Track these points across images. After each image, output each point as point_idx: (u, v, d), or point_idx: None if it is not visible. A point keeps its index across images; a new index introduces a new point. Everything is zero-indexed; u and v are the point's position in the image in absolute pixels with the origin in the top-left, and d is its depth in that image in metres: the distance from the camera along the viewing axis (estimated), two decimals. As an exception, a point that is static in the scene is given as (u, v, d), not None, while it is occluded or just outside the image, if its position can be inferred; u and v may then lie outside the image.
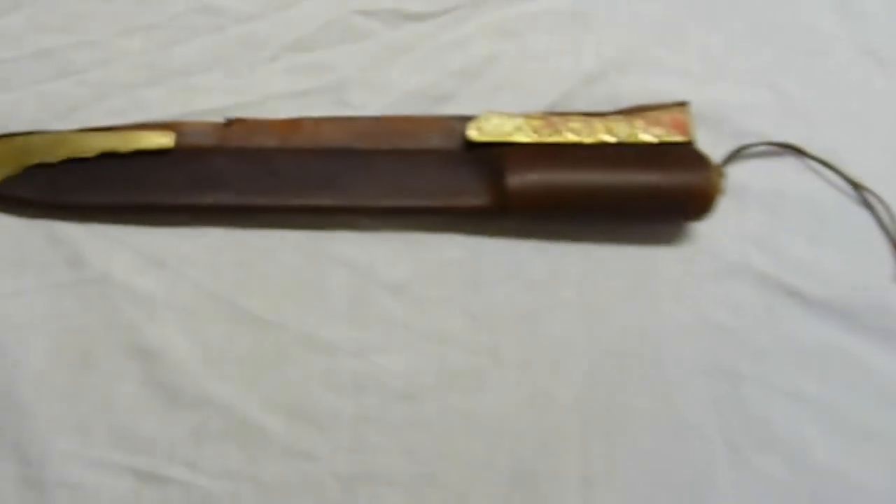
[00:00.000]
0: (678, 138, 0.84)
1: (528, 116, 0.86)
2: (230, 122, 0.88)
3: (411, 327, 0.83)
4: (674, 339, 0.83)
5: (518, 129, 0.85)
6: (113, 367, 0.81)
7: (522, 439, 0.80)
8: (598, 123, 0.85)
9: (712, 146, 0.85)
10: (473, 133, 0.85)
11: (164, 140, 0.86)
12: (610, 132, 0.85)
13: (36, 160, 0.85)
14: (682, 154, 0.83)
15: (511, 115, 0.86)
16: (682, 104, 0.86)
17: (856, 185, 0.87)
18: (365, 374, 0.81)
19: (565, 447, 0.80)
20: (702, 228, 0.86)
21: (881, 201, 0.86)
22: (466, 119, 0.87)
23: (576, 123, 0.85)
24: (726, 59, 0.94)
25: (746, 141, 0.88)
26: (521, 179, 0.82)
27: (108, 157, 0.85)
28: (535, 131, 0.85)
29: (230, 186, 0.85)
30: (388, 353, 0.82)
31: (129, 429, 0.80)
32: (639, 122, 0.85)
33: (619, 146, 0.84)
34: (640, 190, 0.81)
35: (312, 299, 0.84)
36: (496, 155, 0.84)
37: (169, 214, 0.86)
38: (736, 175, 0.85)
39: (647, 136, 0.84)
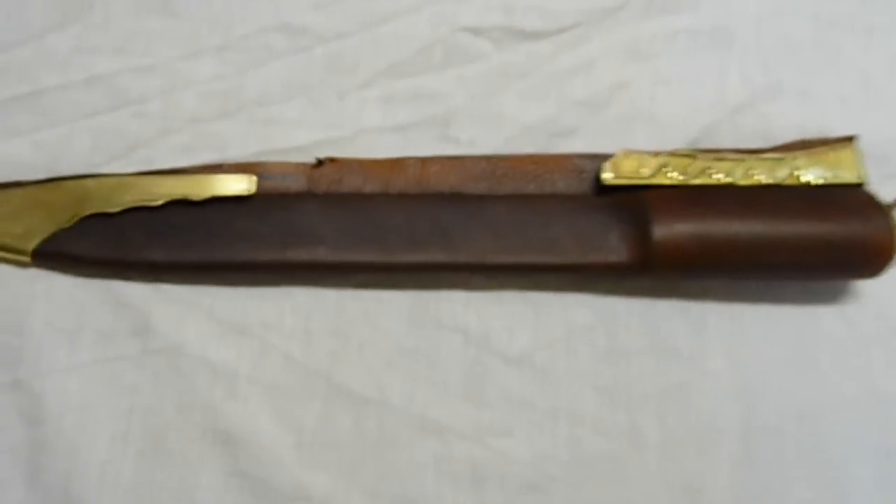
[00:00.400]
0: (847, 180, 0.73)
1: (672, 154, 0.74)
2: (320, 163, 0.77)
3: (535, 406, 0.72)
4: (837, 414, 0.72)
5: (661, 169, 0.74)
6: (190, 455, 0.70)
7: (671, 540, 0.69)
8: (753, 162, 0.74)
9: (877, 187, 0.73)
10: (608, 175, 0.74)
11: (244, 185, 0.75)
12: (767, 173, 0.73)
13: (93, 209, 0.74)
14: (854, 199, 0.72)
15: (653, 154, 0.74)
16: (848, 139, 0.75)
17: None
18: (484, 461, 0.70)
19: (719, 551, 0.69)
20: (866, 284, 0.74)
21: None
22: (597, 157, 0.76)
23: (727, 163, 0.74)
24: (889, 84, 0.82)
25: (918, 181, 0.76)
26: (668, 231, 0.70)
27: (178, 204, 0.74)
28: (682, 172, 0.74)
29: (323, 240, 0.73)
30: (509, 436, 0.71)
31: (212, 531, 0.69)
32: (800, 161, 0.74)
33: (780, 189, 0.73)
34: (807, 243, 0.69)
35: (420, 373, 0.73)
36: (636, 201, 0.72)
37: (250, 273, 0.75)
38: (906, 221, 0.74)
39: (810, 177, 0.73)
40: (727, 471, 0.70)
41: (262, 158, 0.79)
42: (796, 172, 0.73)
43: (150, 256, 0.73)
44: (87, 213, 0.74)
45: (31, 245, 0.74)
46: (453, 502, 0.69)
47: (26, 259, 0.75)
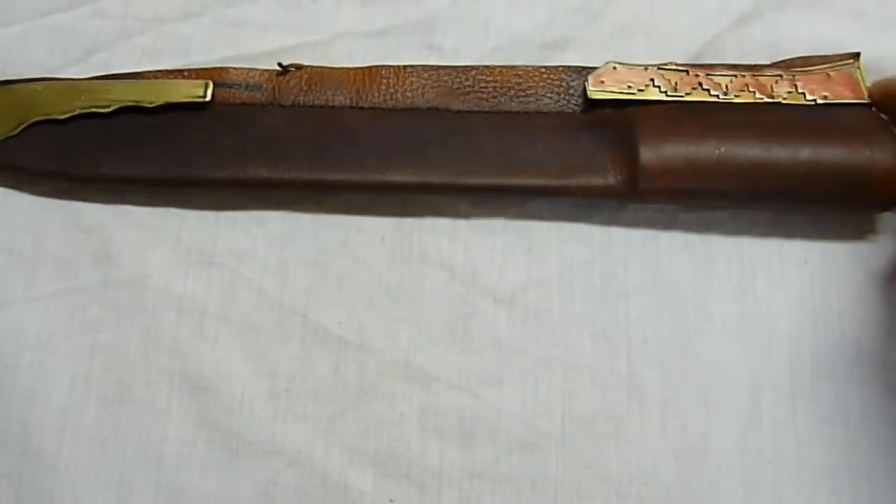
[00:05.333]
0: (852, 100, 0.68)
1: (662, 67, 0.70)
2: (285, 70, 0.72)
3: (528, 353, 0.67)
4: (853, 367, 0.66)
5: (650, 83, 0.69)
6: (157, 403, 0.65)
7: (671, 504, 0.65)
8: (750, 79, 0.69)
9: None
10: (594, 89, 0.69)
11: (199, 90, 0.69)
12: (766, 91, 0.69)
13: (40, 115, 0.69)
14: (860, 120, 0.67)
15: (641, 66, 0.70)
16: (852, 56, 0.70)
17: None
18: (473, 413, 0.65)
19: (725, 514, 0.64)
20: (882, 220, 0.70)
21: None
22: (584, 71, 0.71)
23: (723, 78, 0.70)
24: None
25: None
26: (656, 152, 0.65)
27: (130, 112, 0.69)
28: (673, 87, 0.69)
29: (287, 155, 0.68)
30: (500, 385, 0.66)
31: (181, 488, 0.64)
32: (802, 79, 0.69)
33: (778, 108, 0.68)
34: (805, 167, 0.64)
35: (403, 312, 0.68)
36: (623, 119, 0.68)
37: (210, 190, 0.70)
38: (923, 149, 0.69)
39: (812, 97, 0.68)
40: (736, 431, 0.65)
41: (228, 64, 0.73)
42: (797, 91, 0.68)
43: (101, 170, 0.68)
44: (34, 119, 0.69)
45: (-22, 156, 0.69)
46: (439, 459, 0.64)
47: (-26, 173, 0.70)
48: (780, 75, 0.69)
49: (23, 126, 0.69)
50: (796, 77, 0.69)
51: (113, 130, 0.69)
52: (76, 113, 0.69)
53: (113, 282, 0.68)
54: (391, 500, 0.63)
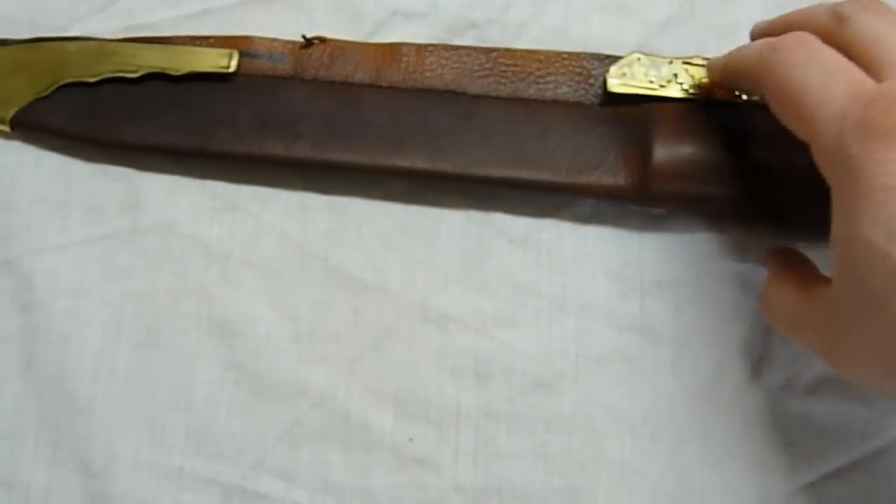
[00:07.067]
0: None
1: (688, 61, 0.69)
2: (309, 43, 0.72)
3: (541, 292, 0.68)
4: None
5: (674, 78, 0.68)
6: (186, 347, 0.67)
7: (683, 443, 0.66)
8: None
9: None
10: (615, 81, 0.68)
11: (224, 61, 0.70)
12: None
13: (72, 77, 0.70)
14: None
15: (667, 59, 0.69)
16: None
17: None
18: (488, 354, 0.67)
19: (734, 454, 0.65)
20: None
21: None
22: (607, 59, 0.70)
23: None
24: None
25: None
26: (670, 153, 0.64)
27: (156, 79, 0.70)
28: (696, 84, 0.68)
29: (304, 133, 0.69)
30: (514, 326, 0.68)
31: (210, 428, 0.66)
32: None
33: None
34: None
35: (420, 253, 0.69)
36: (641, 115, 0.67)
37: (226, 162, 0.71)
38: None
39: None
40: (746, 373, 0.66)
41: (248, 8, 0.74)
42: None
43: (123, 137, 0.69)
44: (66, 80, 0.70)
45: (10, 113, 0.70)
46: (456, 399, 0.66)
47: (6, 128, 0.71)
48: None
49: (54, 87, 0.70)
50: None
51: (138, 97, 0.70)
52: (105, 77, 0.70)
53: (141, 229, 0.70)
54: (411, 439, 0.66)
